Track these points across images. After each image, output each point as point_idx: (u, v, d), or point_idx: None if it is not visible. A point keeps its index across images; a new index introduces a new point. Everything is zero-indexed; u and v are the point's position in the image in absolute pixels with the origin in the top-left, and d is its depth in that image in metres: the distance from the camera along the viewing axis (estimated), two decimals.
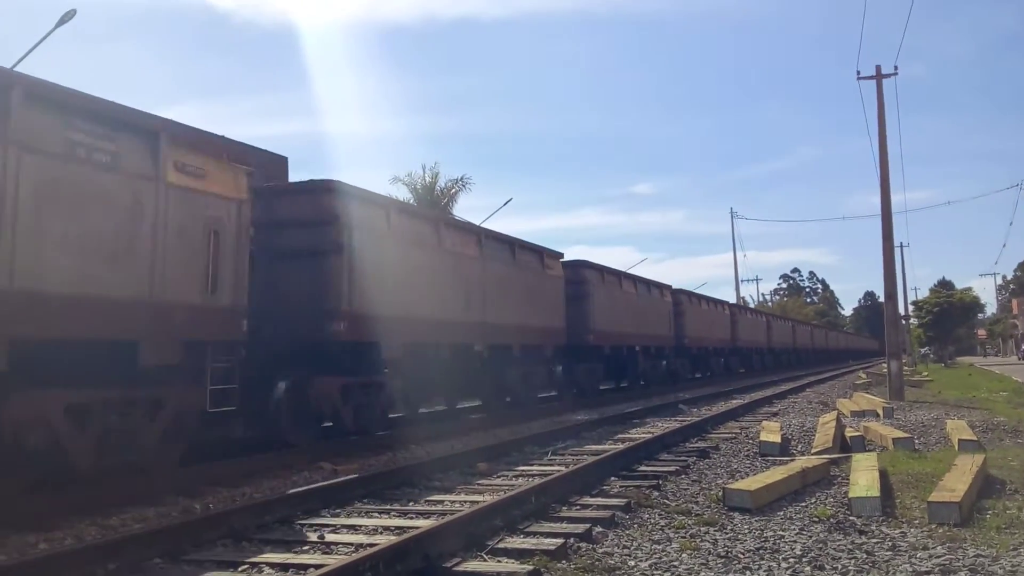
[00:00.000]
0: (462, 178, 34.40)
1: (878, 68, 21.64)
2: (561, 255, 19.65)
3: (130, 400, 8.03)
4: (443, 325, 13.61)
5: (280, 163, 13.23)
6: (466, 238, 15.05)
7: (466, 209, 58.89)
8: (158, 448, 8.42)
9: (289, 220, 11.19)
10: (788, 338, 52.66)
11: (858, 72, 21.99)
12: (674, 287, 29.59)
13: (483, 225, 19.28)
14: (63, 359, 7.29)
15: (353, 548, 5.70)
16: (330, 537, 6.13)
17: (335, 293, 11.08)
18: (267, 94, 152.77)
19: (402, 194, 32.40)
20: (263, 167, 11.79)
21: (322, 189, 11.35)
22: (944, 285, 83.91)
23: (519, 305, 16.40)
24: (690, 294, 31.66)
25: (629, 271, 26.75)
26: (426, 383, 13.79)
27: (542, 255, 18.23)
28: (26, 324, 6.86)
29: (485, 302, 14.98)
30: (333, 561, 5.07)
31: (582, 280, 20.81)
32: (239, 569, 5.29)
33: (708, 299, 34.76)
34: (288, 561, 5.41)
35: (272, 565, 5.34)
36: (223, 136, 9.23)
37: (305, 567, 5.17)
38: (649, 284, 26.78)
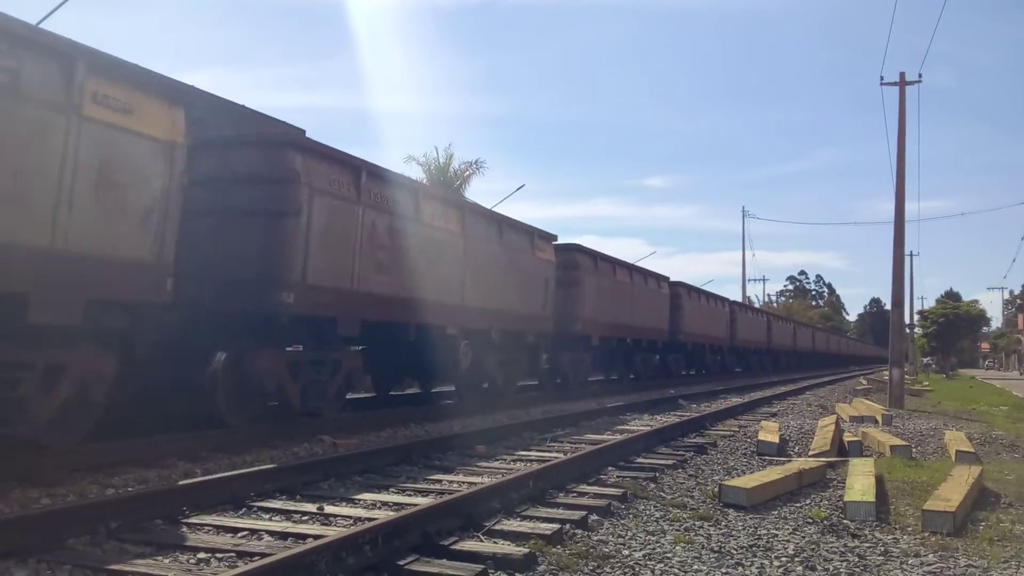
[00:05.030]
0: (476, 161, 34.17)
1: (902, 75, 21.53)
2: (554, 237, 18.37)
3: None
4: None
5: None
6: (447, 211, 13.50)
7: (480, 192, 58.90)
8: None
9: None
10: (789, 340, 51.49)
11: (881, 78, 21.93)
12: (673, 279, 27.98)
13: (495, 209, 18.28)
14: None
15: (352, 521, 5.77)
16: (329, 509, 6.20)
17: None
18: (286, 65, 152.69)
19: (415, 174, 32.33)
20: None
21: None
22: (951, 296, 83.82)
23: (502, 288, 15.13)
24: (689, 287, 30.17)
25: (638, 263, 25.70)
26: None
27: (532, 236, 16.91)
28: None
29: (465, 283, 13.72)
30: (333, 532, 5.13)
31: (574, 265, 19.48)
32: (239, 535, 5.36)
33: (708, 294, 33.40)
34: (287, 530, 5.47)
35: (272, 533, 5.41)
36: (243, 105, 9.25)
37: (304, 536, 5.24)
38: (646, 274, 25.16)
